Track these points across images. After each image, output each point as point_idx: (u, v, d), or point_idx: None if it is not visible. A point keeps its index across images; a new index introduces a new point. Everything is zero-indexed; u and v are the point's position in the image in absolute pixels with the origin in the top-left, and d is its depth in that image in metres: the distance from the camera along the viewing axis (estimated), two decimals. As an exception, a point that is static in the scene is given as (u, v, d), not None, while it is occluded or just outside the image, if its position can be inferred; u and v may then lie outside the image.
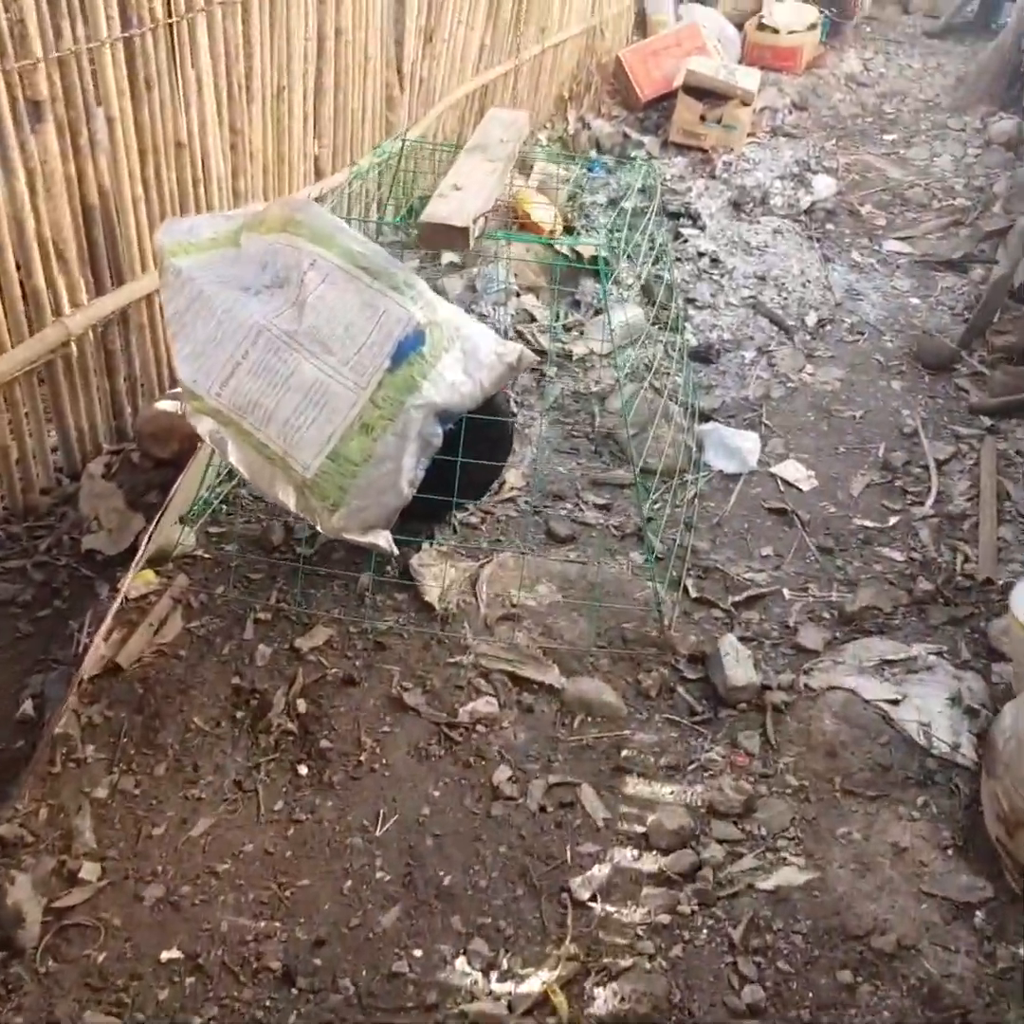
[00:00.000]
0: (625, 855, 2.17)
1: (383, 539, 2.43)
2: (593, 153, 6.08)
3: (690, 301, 4.41)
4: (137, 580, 2.74)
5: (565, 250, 4.35)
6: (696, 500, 3.31)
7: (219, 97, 3.29)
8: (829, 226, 5.32)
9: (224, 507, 3.02)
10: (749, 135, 6.19)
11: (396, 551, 2.46)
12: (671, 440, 3.43)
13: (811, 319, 4.44)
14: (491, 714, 2.46)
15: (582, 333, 4.09)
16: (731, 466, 3.49)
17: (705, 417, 3.73)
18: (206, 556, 2.86)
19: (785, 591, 2.96)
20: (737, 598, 2.91)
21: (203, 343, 2.43)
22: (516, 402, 3.69)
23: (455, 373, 2.36)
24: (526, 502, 3.24)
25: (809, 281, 4.71)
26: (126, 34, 2.82)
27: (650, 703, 2.56)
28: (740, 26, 7.26)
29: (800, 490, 3.41)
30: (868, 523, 3.26)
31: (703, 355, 4.09)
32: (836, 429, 3.76)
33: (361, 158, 4.31)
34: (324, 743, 2.38)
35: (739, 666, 2.58)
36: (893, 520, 3.27)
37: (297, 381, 2.33)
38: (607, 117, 6.56)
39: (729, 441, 3.53)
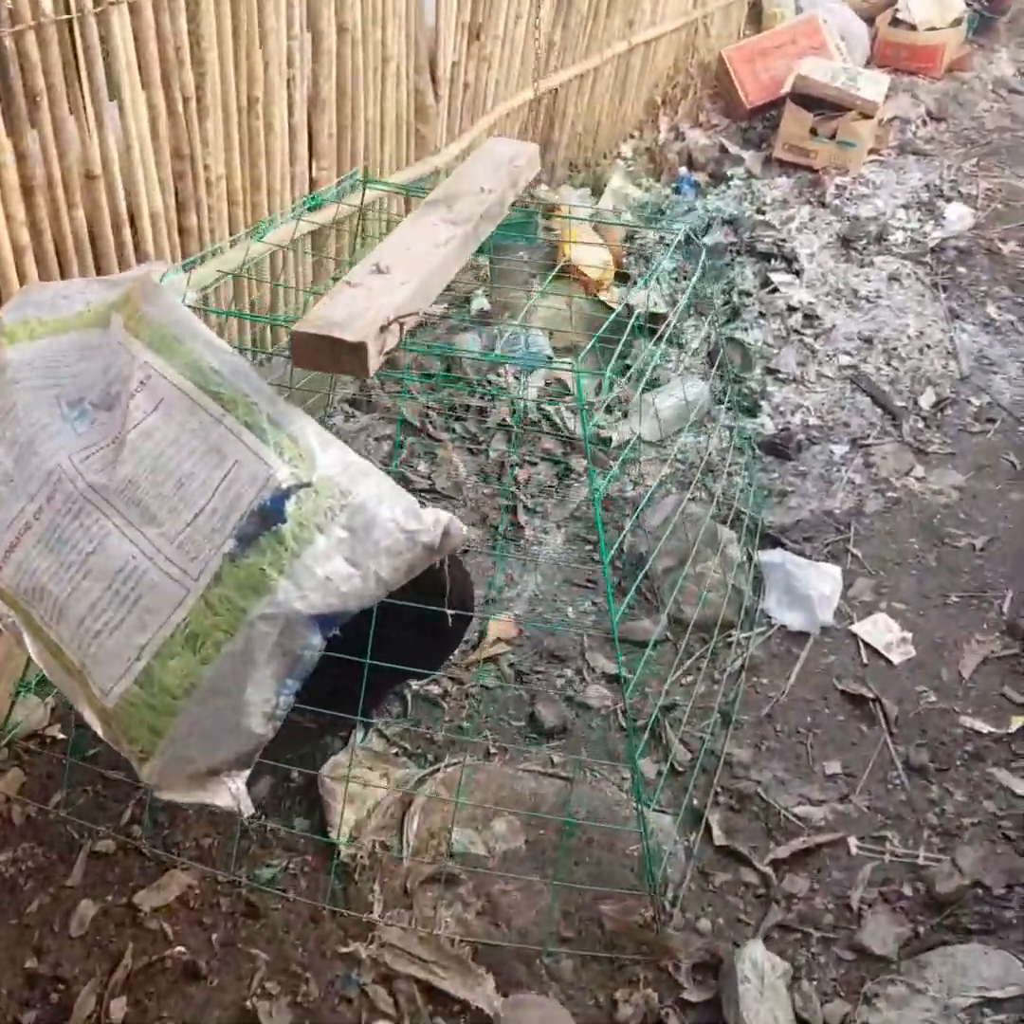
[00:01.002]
0: None
1: (224, 795, 1.60)
2: (683, 169, 5.13)
3: (770, 372, 3.45)
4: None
5: (614, 304, 3.46)
6: (743, 674, 2.40)
7: (154, 113, 2.52)
8: (960, 269, 4.24)
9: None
10: (871, 152, 5.11)
11: (247, 808, 1.63)
12: (717, 579, 2.53)
13: (926, 399, 3.42)
14: (381, 1056, 1.64)
15: (626, 414, 3.19)
16: (798, 621, 2.55)
17: (772, 540, 2.80)
18: (61, 736, 2.11)
19: (852, 842, 2.03)
20: (781, 853, 2.00)
21: (-1, 484, 1.65)
22: (522, 521, 2.83)
23: (333, 563, 1.52)
24: (512, 665, 2.39)
25: (929, 346, 3.68)
26: (-11, 35, 2.07)
27: (624, 1051, 1.69)
28: (870, 21, 6.13)
29: (890, 663, 2.45)
30: (980, 725, 2.28)
31: (780, 448, 3.14)
32: (948, 565, 2.77)
33: (390, 174, 3.51)
34: (129, 1087, 1.60)
35: (763, 1001, 1.68)
36: (1018, 723, 2.29)
37: (100, 562, 1.53)
38: (705, 126, 5.57)
39: (799, 582, 2.59)
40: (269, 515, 1.53)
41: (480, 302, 3.67)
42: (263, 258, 2.91)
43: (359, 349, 1.55)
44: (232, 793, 1.61)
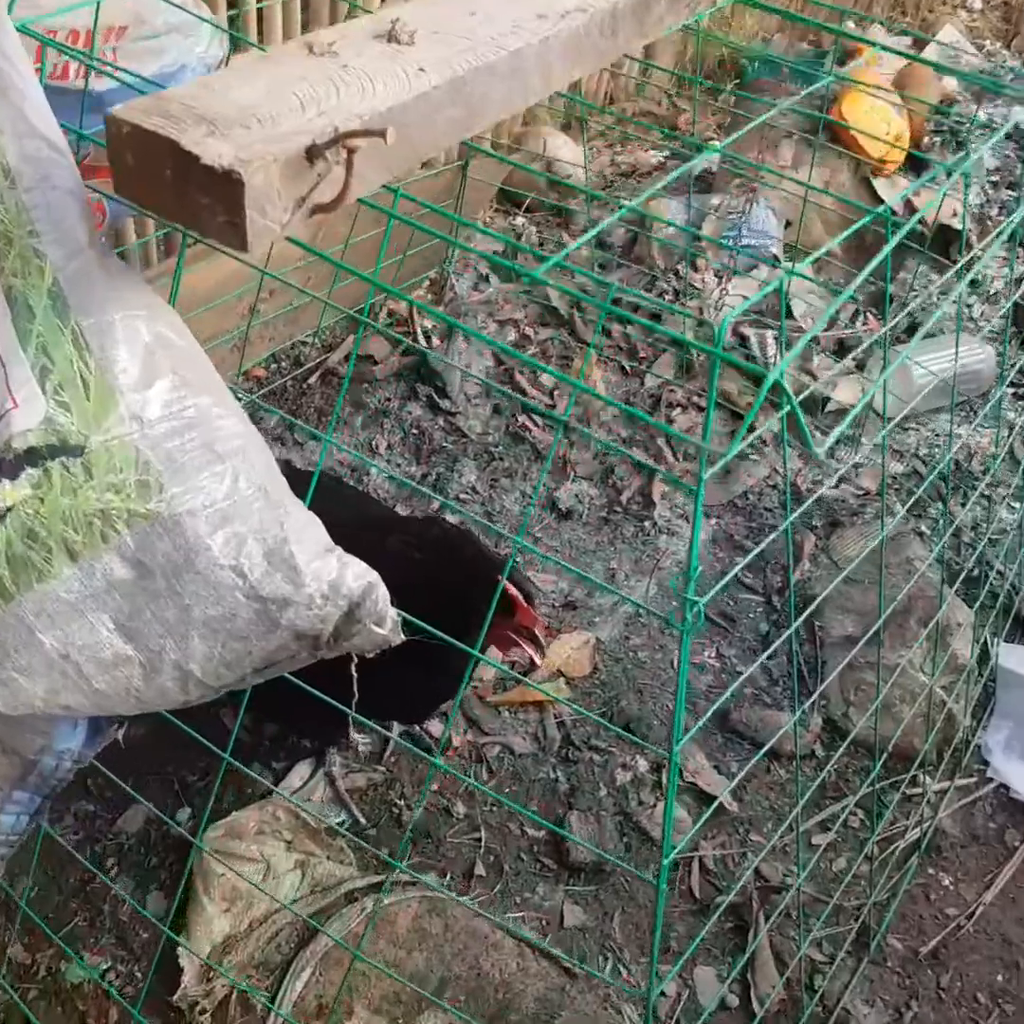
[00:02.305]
0: None
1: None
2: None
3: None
4: None
5: (892, 198, 2.32)
6: (915, 858, 1.44)
7: None
8: None
9: None
10: None
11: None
12: (919, 682, 1.54)
13: None
14: None
15: (863, 365, 2.13)
16: (1031, 784, 1.55)
17: (1021, 624, 1.75)
18: None
19: None
20: None
21: None
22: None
23: (84, 627, 0.69)
24: (561, 723, 1.53)
25: None
26: None
27: None
28: None
29: None
30: None
31: (1079, 475, 2.01)
32: None
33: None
34: None
35: None
36: None
37: None
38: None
39: (1051, 719, 1.57)
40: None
41: (712, 154, 2.60)
42: None
43: (230, 186, 0.64)
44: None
